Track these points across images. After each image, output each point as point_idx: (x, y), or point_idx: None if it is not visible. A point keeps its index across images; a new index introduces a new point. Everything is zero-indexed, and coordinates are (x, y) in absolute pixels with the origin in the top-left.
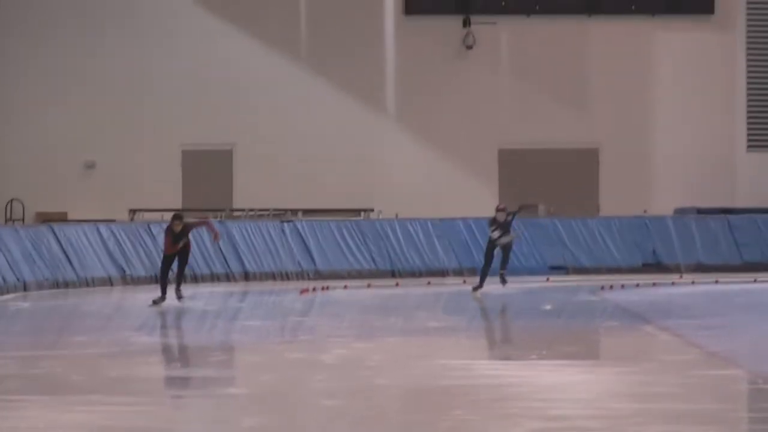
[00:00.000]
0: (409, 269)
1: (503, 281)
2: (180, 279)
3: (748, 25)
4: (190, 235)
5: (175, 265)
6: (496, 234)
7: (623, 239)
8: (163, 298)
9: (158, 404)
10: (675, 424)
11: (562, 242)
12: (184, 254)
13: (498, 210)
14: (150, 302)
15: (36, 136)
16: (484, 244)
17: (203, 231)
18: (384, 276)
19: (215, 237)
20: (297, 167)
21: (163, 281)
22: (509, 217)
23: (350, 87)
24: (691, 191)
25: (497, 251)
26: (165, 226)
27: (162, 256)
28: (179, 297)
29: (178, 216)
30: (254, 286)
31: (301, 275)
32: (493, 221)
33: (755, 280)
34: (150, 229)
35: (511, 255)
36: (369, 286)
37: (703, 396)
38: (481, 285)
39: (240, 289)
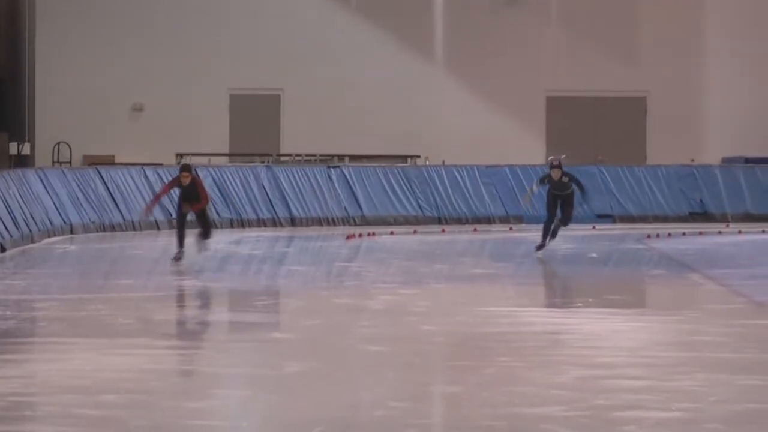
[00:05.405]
0: (455, 216)
1: (553, 235)
2: (207, 234)
3: None
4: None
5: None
6: (535, 189)
7: (670, 188)
8: (179, 252)
9: (203, 348)
10: (720, 373)
11: (608, 190)
12: (202, 212)
13: (553, 166)
14: (171, 261)
15: (84, 79)
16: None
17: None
18: (430, 222)
19: (203, 203)
20: (344, 113)
21: (180, 233)
22: (564, 179)
23: (399, 34)
24: (739, 140)
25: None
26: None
27: (177, 207)
28: (200, 250)
29: (186, 167)
30: (300, 232)
31: (347, 221)
32: (547, 179)
33: None
34: (197, 174)
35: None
36: (415, 232)
37: (748, 345)
38: (543, 243)
39: (286, 234)
